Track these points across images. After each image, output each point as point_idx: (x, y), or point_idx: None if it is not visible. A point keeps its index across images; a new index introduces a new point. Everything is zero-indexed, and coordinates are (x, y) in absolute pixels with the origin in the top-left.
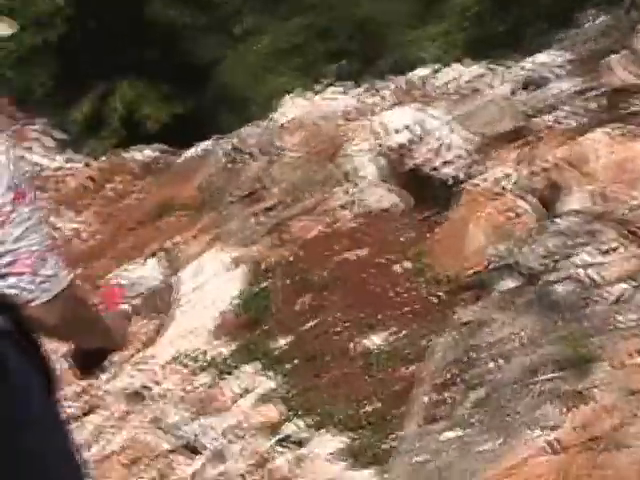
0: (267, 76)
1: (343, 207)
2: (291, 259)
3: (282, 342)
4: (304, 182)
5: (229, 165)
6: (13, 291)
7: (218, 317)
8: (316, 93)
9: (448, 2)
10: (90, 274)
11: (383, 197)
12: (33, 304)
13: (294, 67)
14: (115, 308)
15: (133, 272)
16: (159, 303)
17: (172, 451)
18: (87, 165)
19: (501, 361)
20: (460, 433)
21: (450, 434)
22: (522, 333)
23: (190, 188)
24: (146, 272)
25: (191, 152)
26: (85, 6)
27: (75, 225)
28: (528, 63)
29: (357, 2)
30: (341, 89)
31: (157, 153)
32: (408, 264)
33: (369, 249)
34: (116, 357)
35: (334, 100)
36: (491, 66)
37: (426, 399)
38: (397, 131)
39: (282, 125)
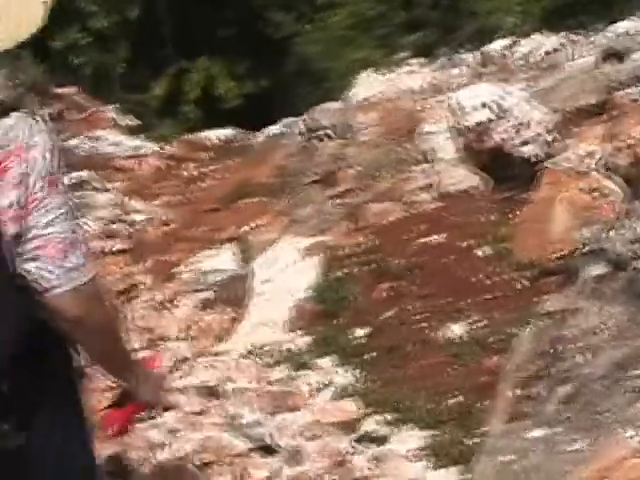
0: (345, 49)
1: (421, 189)
2: (368, 246)
3: (360, 333)
4: (380, 163)
5: (304, 146)
6: (42, 273)
7: (293, 308)
8: (393, 68)
9: None
10: (165, 262)
11: (462, 178)
12: (57, 291)
13: (372, 39)
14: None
15: (206, 261)
16: (233, 294)
17: (247, 452)
18: (161, 149)
19: (589, 355)
20: (547, 432)
21: (537, 432)
22: (610, 324)
23: (266, 170)
24: (220, 261)
25: (267, 132)
26: None
27: (149, 211)
28: (610, 32)
29: None
30: (418, 64)
31: (232, 134)
32: (490, 248)
33: (449, 233)
34: (189, 352)
35: (411, 76)
36: (572, 36)
37: (511, 394)
38: (475, 109)
39: (357, 103)
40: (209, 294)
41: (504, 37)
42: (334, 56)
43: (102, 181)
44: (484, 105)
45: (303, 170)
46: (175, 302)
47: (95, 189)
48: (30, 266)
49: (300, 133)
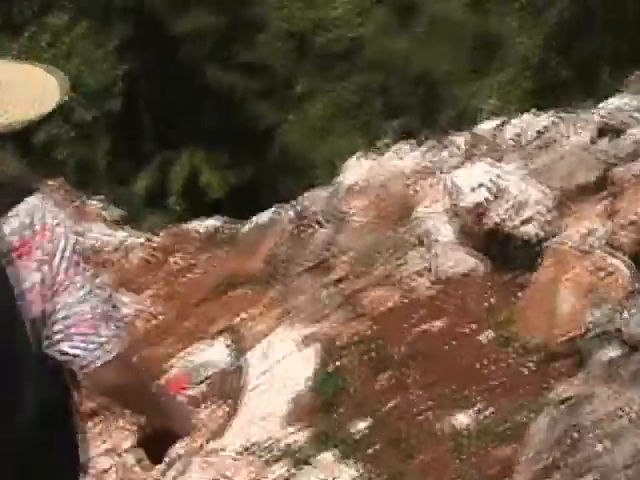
0: (327, 137)
1: (418, 274)
2: (367, 334)
3: (362, 426)
4: (375, 249)
5: (295, 234)
6: (77, 352)
7: (291, 401)
8: (380, 153)
9: (507, 51)
10: (155, 357)
11: (461, 261)
12: (93, 366)
13: (353, 127)
14: (182, 394)
15: (199, 355)
16: (228, 387)
17: None
18: (148, 240)
19: (609, 442)
20: None
21: None
22: (629, 409)
23: (256, 260)
24: (212, 354)
25: (255, 221)
26: (135, 78)
27: (137, 306)
28: (602, 109)
29: (416, 54)
30: (406, 147)
31: (219, 224)
32: (493, 333)
33: (450, 318)
34: (184, 449)
35: (400, 159)
36: (562, 114)
37: None
38: (472, 189)
39: (348, 188)
40: (203, 388)
41: (487, 119)
42: (316, 145)
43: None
44: (481, 185)
45: (295, 258)
46: None
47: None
48: (64, 346)
49: (290, 220)
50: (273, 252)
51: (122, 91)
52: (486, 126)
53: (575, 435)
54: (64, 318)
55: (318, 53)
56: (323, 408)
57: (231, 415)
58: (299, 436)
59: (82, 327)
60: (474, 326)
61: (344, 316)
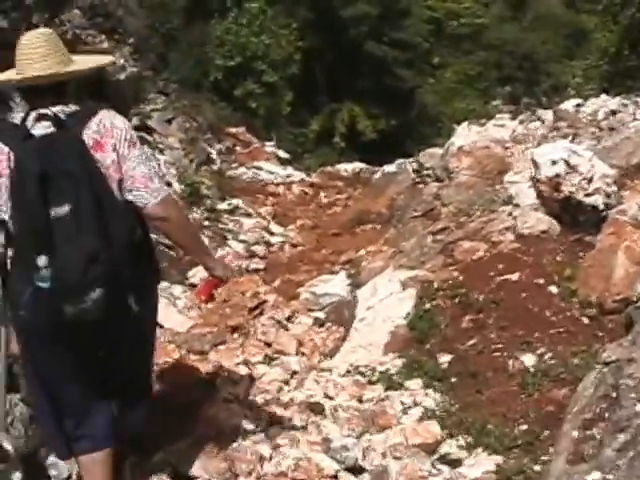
0: (455, 98)
1: (505, 229)
2: (457, 280)
3: (445, 359)
4: (472, 202)
5: (412, 185)
6: (136, 199)
7: (390, 334)
8: (488, 119)
9: (590, 42)
10: (290, 282)
11: (539, 222)
12: (148, 205)
13: (475, 90)
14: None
15: (322, 285)
16: (340, 316)
17: (335, 473)
18: (307, 176)
19: None
20: (607, 477)
21: (596, 475)
22: None
23: (382, 202)
24: (332, 286)
25: (386, 169)
26: (311, 49)
27: (285, 235)
28: None
29: (524, 39)
30: (507, 117)
31: (360, 168)
32: (560, 286)
33: (527, 271)
34: (299, 367)
35: (500, 128)
36: (630, 99)
37: (575, 435)
38: (550, 164)
39: (457, 149)
40: (321, 314)
41: (573, 96)
42: (447, 103)
43: (252, 207)
44: (557, 161)
45: (411, 204)
46: (292, 320)
47: (245, 214)
48: (131, 194)
49: (411, 172)
50: (396, 197)
51: (301, 59)
52: (568, 105)
53: (615, 394)
54: (127, 178)
55: (450, 34)
56: (415, 341)
57: (342, 340)
58: (394, 363)
59: (138, 183)
60: (546, 279)
61: (442, 262)
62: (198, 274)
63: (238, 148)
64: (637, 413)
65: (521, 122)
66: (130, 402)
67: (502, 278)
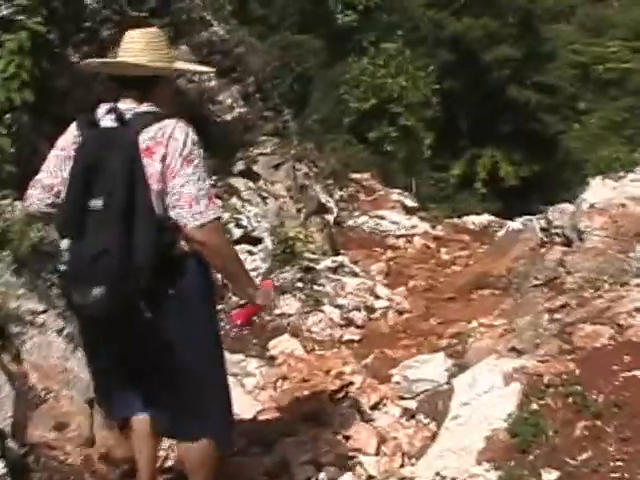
0: (600, 145)
1: (636, 311)
2: (572, 374)
3: (551, 477)
4: (601, 273)
5: (536, 246)
6: (177, 217)
7: (485, 439)
8: (634, 167)
9: None
10: (387, 358)
11: None
12: (188, 226)
13: (621, 137)
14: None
15: (419, 367)
16: (436, 407)
17: None
18: (429, 230)
19: None
20: None
21: None
22: None
23: (504, 263)
24: (431, 368)
25: (511, 226)
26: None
27: (396, 297)
28: None
29: None
30: None
31: (488, 221)
32: None
33: None
34: (376, 471)
35: (637, 185)
36: None
37: None
38: None
39: (587, 207)
40: (412, 403)
41: None
42: (592, 150)
43: (363, 263)
44: None
45: (531, 271)
46: (379, 407)
47: (350, 273)
48: (173, 212)
49: (537, 231)
50: (516, 260)
51: (440, 102)
52: None
53: None
54: (173, 195)
55: (596, 79)
56: (516, 450)
57: (431, 439)
58: (488, 477)
59: (183, 202)
60: None
61: (557, 348)
62: (280, 345)
63: (361, 195)
64: None
65: None
66: (179, 411)
67: (629, 374)
